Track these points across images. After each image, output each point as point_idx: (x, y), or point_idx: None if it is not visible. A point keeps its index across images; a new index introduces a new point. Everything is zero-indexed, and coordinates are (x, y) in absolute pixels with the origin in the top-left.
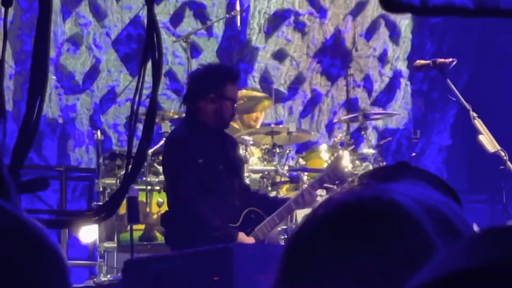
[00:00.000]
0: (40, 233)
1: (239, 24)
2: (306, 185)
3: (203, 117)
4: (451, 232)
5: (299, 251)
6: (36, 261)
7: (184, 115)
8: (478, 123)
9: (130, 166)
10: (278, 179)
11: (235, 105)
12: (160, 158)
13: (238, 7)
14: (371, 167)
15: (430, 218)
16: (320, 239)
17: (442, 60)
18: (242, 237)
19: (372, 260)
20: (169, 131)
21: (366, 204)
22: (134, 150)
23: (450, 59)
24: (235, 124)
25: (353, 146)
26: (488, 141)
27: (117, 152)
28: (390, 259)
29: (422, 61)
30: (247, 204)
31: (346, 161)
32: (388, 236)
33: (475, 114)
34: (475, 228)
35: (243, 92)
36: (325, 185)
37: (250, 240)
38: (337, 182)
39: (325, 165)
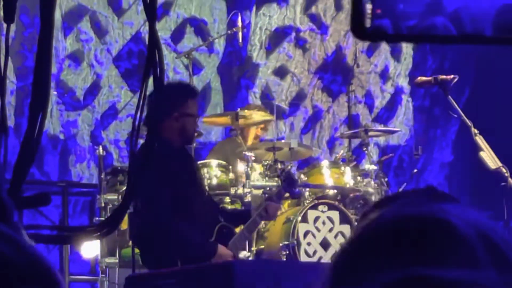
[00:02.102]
0: (39, 260)
1: (240, 40)
2: (266, 200)
3: (168, 136)
4: (502, 261)
5: (352, 267)
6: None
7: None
8: (480, 140)
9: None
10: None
11: (196, 120)
12: None
13: (239, 23)
14: (372, 183)
15: (483, 245)
16: (375, 255)
17: (444, 76)
18: (222, 250)
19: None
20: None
21: (423, 223)
22: None
23: (452, 76)
24: (237, 140)
25: (354, 162)
26: (489, 157)
27: (119, 167)
28: (439, 282)
29: (424, 78)
30: (216, 219)
31: (295, 175)
32: (441, 258)
33: (476, 131)
34: None
35: (245, 112)
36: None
37: (228, 253)
38: (295, 194)
39: (326, 181)
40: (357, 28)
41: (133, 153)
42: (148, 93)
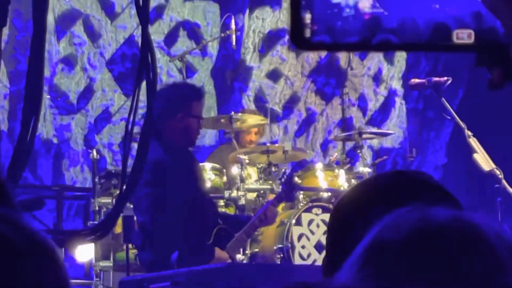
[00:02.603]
0: (40, 241)
1: (234, 43)
2: (264, 203)
3: (171, 136)
4: None
5: (374, 259)
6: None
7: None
8: (473, 142)
9: (124, 185)
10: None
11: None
12: None
13: (233, 26)
14: None
15: (507, 253)
16: (403, 254)
17: (437, 79)
18: (219, 253)
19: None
20: None
21: (449, 226)
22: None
23: (445, 78)
24: (233, 145)
25: (349, 165)
26: (483, 159)
27: (113, 171)
28: (464, 284)
29: (417, 80)
30: (215, 221)
31: (296, 180)
32: (466, 261)
33: (470, 133)
34: None
35: (239, 115)
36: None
37: (226, 256)
38: (292, 198)
39: (320, 183)
40: (297, 38)
41: (126, 157)
42: (141, 97)
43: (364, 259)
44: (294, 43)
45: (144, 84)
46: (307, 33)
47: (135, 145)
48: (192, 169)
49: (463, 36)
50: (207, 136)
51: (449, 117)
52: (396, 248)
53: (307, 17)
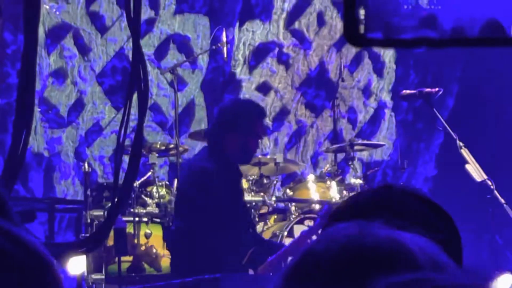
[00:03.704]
0: (38, 254)
1: (225, 56)
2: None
3: (229, 150)
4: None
5: (297, 279)
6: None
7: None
8: (465, 152)
9: (116, 198)
10: (265, 210)
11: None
12: (148, 189)
13: (224, 39)
14: None
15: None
16: (327, 266)
17: (428, 89)
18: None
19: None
20: (190, 159)
21: (380, 244)
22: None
23: (436, 89)
24: None
25: (340, 177)
26: (474, 170)
27: (105, 184)
28: None
29: (408, 91)
30: (251, 242)
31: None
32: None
33: (461, 144)
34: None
35: None
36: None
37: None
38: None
39: (312, 195)
40: (351, 35)
41: (118, 169)
42: (132, 110)
43: (292, 269)
44: (348, 40)
45: (135, 97)
46: (361, 29)
47: (126, 158)
48: (239, 185)
49: None
50: (197, 149)
51: (440, 128)
52: (322, 259)
53: (361, 13)
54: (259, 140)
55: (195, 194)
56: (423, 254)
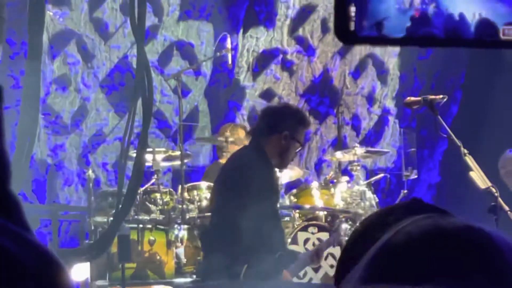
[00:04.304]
0: (48, 259)
1: (230, 62)
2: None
3: (269, 152)
4: None
5: (386, 260)
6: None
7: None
8: (469, 160)
9: (120, 204)
10: None
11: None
12: (152, 196)
13: (228, 45)
14: (362, 205)
15: None
16: (412, 256)
17: (433, 96)
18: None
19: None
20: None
21: (460, 231)
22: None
23: (441, 96)
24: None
25: (344, 184)
26: (479, 177)
27: (108, 190)
28: None
29: (413, 98)
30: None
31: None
32: (479, 267)
33: (466, 151)
34: None
35: (227, 127)
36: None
37: (287, 276)
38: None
39: (316, 202)
40: (341, 32)
41: (122, 176)
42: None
43: (371, 264)
44: (338, 37)
45: (139, 103)
46: (351, 26)
47: (130, 165)
48: (277, 187)
49: (510, 32)
50: (202, 156)
51: (444, 135)
52: (405, 251)
53: (352, 10)
54: (298, 148)
55: (237, 193)
56: (510, 251)
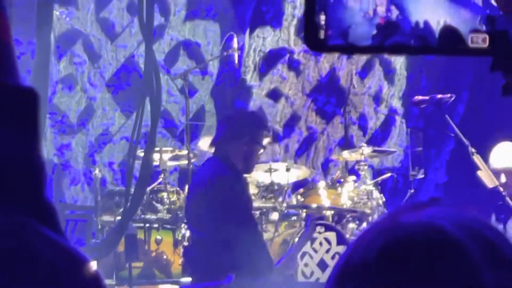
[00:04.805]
0: (83, 265)
1: (236, 62)
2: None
3: (233, 158)
4: (497, 260)
5: (347, 280)
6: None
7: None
8: (477, 159)
9: (128, 204)
10: (276, 216)
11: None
12: (159, 195)
13: (235, 45)
14: (369, 204)
15: (475, 245)
16: (367, 268)
17: (441, 95)
18: None
19: None
20: (201, 169)
21: (413, 233)
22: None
23: (449, 95)
24: None
25: (351, 183)
26: (486, 176)
27: (115, 190)
28: None
29: (421, 97)
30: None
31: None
32: (435, 267)
33: (473, 150)
34: None
35: None
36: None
37: None
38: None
39: (323, 202)
40: (311, 40)
41: (130, 175)
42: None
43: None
44: (308, 45)
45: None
46: (321, 34)
47: (137, 164)
48: (248, 193)
49: (478, 40)
50: (208, 156)
51: (452, 134)
52: (365, 270)
53: (322, 18)
54: (261, 150)
55: (214, 206)
56: (469, 239)
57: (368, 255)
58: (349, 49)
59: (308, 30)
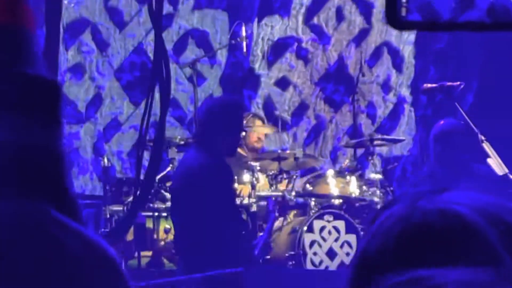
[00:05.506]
0: (107, 256)
1: (245, 50)
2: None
3: (217, 145)
4: None
5: (366, 267)
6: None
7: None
8: (486, 146)
9: (138, 192)
10: (285, 205)
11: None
12: (168, 184)
13: (243, 34)
14: (378, 193)
15: (495, 230)
16: (386, 255)
17: (450, 83)
18: None
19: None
20: (179, 157)
21: (431, 219)
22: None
23: (458, 83)
24: (242, 151)
25: (359, 172)
26: (496, 164)
27: (124, 179)
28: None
29: (430, 85)
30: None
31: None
32: (454, 252)
33: (483, 137)
34: None
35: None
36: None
37: None
38: None
39: (332, 190)
40: (392, 17)
41: (140, 163)
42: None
43: (353, 274)
44: (389, 22)
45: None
46: (403, 12)
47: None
48: (232, 180)
49: None
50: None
51: (462, 122)
52: (383, 256)
53: None
54: (241, 133)
55: (196, 193)
56: (492, 228)
57: (387, 242)
58: (429, 26)
59: (389, 7)
